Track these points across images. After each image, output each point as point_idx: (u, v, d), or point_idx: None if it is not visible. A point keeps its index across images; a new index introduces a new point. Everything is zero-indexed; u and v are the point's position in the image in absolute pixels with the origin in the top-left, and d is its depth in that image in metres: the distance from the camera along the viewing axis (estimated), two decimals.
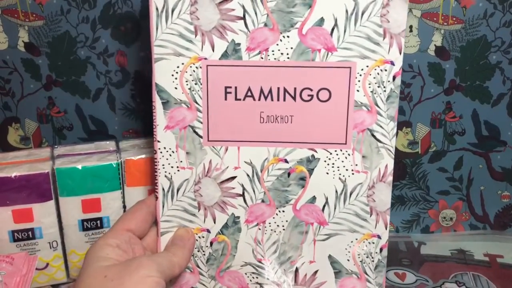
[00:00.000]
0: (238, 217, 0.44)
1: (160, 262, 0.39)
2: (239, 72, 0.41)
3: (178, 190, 0.43)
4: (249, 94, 0.41)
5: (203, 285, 0.45)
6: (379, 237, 0.44)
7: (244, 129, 0.42)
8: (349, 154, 0.42)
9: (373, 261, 0.44)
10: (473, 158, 0.59)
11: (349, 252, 0.44)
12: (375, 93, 0.41)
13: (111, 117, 0.59)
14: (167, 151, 0.42)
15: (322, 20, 0.39)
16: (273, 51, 0.40)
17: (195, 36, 0.40)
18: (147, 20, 0.55)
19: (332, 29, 0.40)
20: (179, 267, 0.41)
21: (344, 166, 0.42)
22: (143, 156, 0.50)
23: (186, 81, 0.41)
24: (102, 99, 0.58)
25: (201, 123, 0.42)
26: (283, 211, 0.44)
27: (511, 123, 0.58)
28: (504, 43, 0.55)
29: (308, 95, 0.41)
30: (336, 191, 0.43)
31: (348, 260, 0.44)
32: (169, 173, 0.43)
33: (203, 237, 0.44)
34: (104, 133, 0.59)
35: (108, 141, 0.54)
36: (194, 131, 0.42)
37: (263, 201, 0.43)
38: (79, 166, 0.48)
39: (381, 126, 0.41)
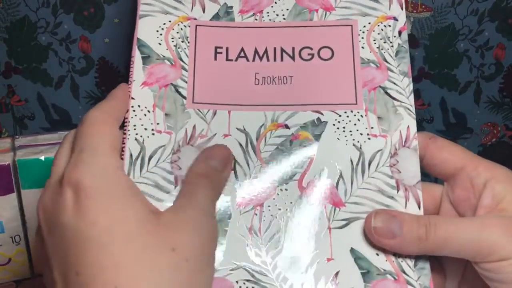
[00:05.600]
0: (228, 198, 0.35)
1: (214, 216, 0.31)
2: (231, 33, 0.38)
3: (150, 158, 0.35)
4: (242, 54, 0.37)
5: None
6: None
7: (237, 92, 0.36)
8: (362, 116, 0.36)
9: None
10: None
11: None
12: (382, 49, 0.38)
13: (74, 106, 0.57)
14: (141, 110, 0.36)
15: None
16: (268, 12, 0.38)
17: None
18: (111, 4, 0.53)
19: None
20: None
21: (357, 130, 0.36)
22: None
23: (172, 38, 0.38)
24: (65, 87, 0.56)
25: (186, 82, 0.37)
26: (286, 190, 0.35)
27: (478, 110, 0.59)
28: (471, 31, 0.55)
29: (309, 54, 0.37)
30: (352, 161, 0.35)
31: (377, 254, 0.33)
32: (141, 136, 0.35)
33: None
34: (67, 122, 0.58)
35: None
36: (177, 91, 0.36)
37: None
38: (42, 157, 0.47)
39: (394, 83, 0.37)
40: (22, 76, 0.56)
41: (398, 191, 0.35)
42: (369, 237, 0.33)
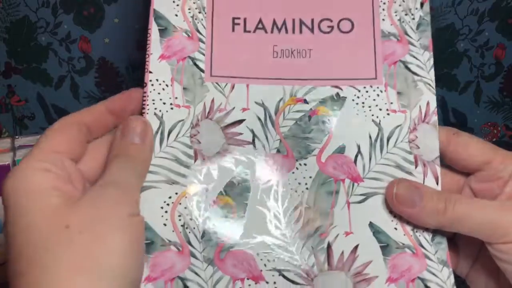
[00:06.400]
0: (247, 172, 0.35)
1: (132, 185, 0.30)
2: (249, 3, 0.37)
3: (169, 133, 0.35)
4: (260, 26, 0.37)
5: (195, 273, 0.33)
6: None
7: (255, 65, 0.36)
8: (381, 91, 0.36)
9: (427, 228, 0.34)
10: None
11: (395, 217, 0.34)
12: (403, 22, 0.37)
13: (74, 106, 0.57)
14: (159, 84, 0.35)
15: None
16: None
17: None
18: (111, 4, 0.53)
19: None
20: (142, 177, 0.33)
21: (377, 105, 0.36)
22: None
23: (189, 9, 0.37)
24: (65, 87, 0.56)
25: (203, 55, 0.36)
26: (305, 165, 0.35)
27: (478, 110, 0.59)
28: (471, 31, 0.55)
29: (328, 26, 0.37)
30: (370, 137, 0.35)
31: (396, 228, 0.34)
32: (160, 111, 0.35)
33: (199, 198, 0.34)
34: None
35: None
36: (195, 64, 0.36)
37: (278, 151, 0.35)
38: None
39: (415, 57, 0.37)
40: (22, 76, 0.55)
41: (416, 166, 0.35)
42: (389, 204, 0.34)
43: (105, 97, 0.57)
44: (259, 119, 0.36)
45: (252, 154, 0.35)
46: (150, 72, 0.36)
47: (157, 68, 0.36)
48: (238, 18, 0.37)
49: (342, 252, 0.34)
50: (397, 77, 0.36)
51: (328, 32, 0.37)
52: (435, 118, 0.35)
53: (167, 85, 0.35)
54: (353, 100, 0.36)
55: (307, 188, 0.35)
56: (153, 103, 0.35)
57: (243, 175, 0.35)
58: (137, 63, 0.56)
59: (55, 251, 0.26)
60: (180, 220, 0.34)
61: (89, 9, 0.53)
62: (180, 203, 0.34)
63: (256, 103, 0.36)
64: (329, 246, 0.34)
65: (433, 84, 0.36)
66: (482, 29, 0.55)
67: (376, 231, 0.34)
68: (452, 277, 0.33)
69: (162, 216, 0.33)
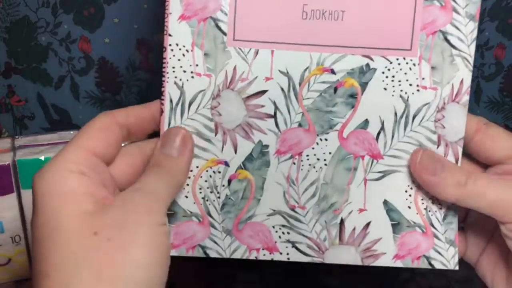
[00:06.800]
0: (267, 146, 0.35)
1: (162, 196, 0.29)
2: None
3: (190, 104, 0.34)
4: None
5: (214, 242, 0.35)
6: None
7: (281, 27, 0.33)
8: (414, 64, 0.34)
9: (441, 208, 0.34)
10: None
11: (410, 195, 0.34)
12: None
13: (75, 106, 0.57)
14: (179, 49, 0.34)
15: None
16: None
17: None
18: (111, 4, 0.54)
19: None
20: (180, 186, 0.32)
21: (407, 80, 0.34)
22: None
23: None
24: (65, 87, 0.56)
25: (226, 15, 0.33)
26: (326, 140, 0.34)
27: (478, 110, 0.59)
28: None
29: None
30: (396, 113, 0.34)
31: (409, 207, 0.34)
32: (181, 80, 0.34)
33: (219, 172, 0.35)
34: (67, 122, 0.58)
35: (72, 130, 0.53)
36: (217, 25, 0.33)
37: (300, 125, 0.34)
38: (42, 158, 0.47)
39: (457, 28, 0.33)
40: (22, 76, 0.55)
41: (438, 146, 0.34)
42: (411, 170, 0.34)
43: (105, 97, 0.58)
44: (282, 90, 0.34)
45: (272, 128, 0.34)
46: (170, 35, 0.33)
47: (177, 30, 0.33)
48: None
49: (354, 228, 0.35)
50: (433, 49, 0.33)
51: None
52: (466, 97, 0.34)
53: (187, 51, 0.34)
54: (383, 72, 0.34)
55: (325, 164, 0.35)
56: (173, 71, 0.34)
57: (262, 149, 0.35)
58: (137, 63, 0.56)
59: (81, 257, 0.26)
60: (201, 193, 0.35)
61: (89, 9, 0.53)
62: (201, 177, 0.35)
63: (280, 71, 0.34)
64: (341, 222, 0.35)
65: (472, 59, 0.34)
66: (482, 29, 0.55)
67: (389, 209, 0.35)
68: (456, 256, 0.34)
69: (184, 188, 0.34)
